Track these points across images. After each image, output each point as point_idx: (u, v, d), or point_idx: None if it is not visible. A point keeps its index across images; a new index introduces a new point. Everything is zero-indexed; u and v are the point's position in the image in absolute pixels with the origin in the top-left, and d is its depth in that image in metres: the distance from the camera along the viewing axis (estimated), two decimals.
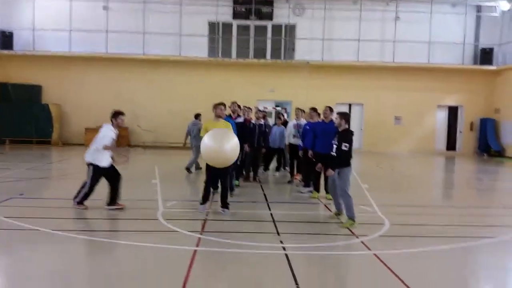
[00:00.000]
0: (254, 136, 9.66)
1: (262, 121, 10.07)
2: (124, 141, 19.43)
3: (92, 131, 19.04)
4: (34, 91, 19.63)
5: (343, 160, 6.25)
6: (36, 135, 18.87)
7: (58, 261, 4.61)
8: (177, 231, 5.70)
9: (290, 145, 10.35)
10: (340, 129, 6.43)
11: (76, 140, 19.50)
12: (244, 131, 8.96)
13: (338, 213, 6.85)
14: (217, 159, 6.48)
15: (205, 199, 6.88)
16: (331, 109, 8.21)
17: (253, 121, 9.79)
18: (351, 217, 6.22)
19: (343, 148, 6.19)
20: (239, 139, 6.80)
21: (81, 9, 19.50)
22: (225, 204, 6.87)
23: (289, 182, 10.29)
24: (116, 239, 5.48)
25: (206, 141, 6.40)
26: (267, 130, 10.22)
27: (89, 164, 6.71)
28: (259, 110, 10.54)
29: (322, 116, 8.48)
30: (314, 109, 9.16)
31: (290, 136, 10.31)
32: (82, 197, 6.67)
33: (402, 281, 4.17)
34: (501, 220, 7.34)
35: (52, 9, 19.55)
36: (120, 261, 4.77)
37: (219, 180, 7.05)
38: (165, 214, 6.57)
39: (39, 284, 4.02)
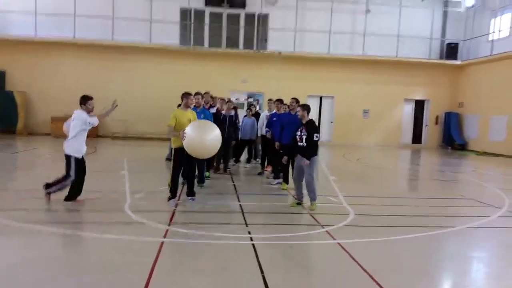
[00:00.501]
0: (224, 128, 9.59)
1: (232, 112, 10.06)
2: (93, 131, 18.99)
3: (59, 121, 18.49)
4: None
5: (315, 149, 6.71)
6: (0, 124, 18.16)
7: (21, 254, 4.52)
8: (144, 222, 5.69)
9: (263, 136, 10.41)
10: (304, 121, 6.80)
11: (43, 130, 18.93)
12: (215, 122, 8.95)
13: (299, 203, 7.05)
14: (200, 150, 6.52)
15: (174, 193, 6.86)
16: (297, 101, 8.30)
17: (223, 112, 9.77)
18: (315, 199, 6.80)
19: (315, 138, 6.63)
20: None
21: None
22: (192, 193, 6.95)
23: (260, 173, 10.37)
24: (81, 231, 5.41)
25: (189, 132, 6.38)
26: (237, 121, 10.26)
27: (68, 156, 6.38)
28: (229, 101, 10.52)
29: (288, 108, 8.66)
30: (280, 101, 9.28)
31: (262, 127, 10.37)
32: (56, 189, 6.36)
33: (363, 269, 4.34)
34: (460, 210, 7.69)
35: None
36: (85, 253, 4.73)
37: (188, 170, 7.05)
38: (132, 206, 6.52)
39: (0, 279, 3.94)
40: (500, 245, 5.69)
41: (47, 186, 6.42)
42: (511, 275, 4.68)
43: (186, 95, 7.02)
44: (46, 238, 5.05)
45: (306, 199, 7.01)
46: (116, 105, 6.76)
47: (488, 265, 5.02)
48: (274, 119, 9.12)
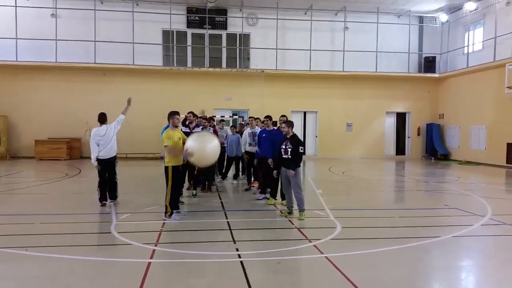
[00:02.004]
0: None
1: (211, 130, 10.16)
2: (76, 153, 18.82)
3: (43, 144, 18.34)
4: None
5: (299, 161, 7.24)
6: None
7: (4, 279, 4.42)
8: (130, 243, 5.63)
9: (247, 153, 10.49)
10: (288, 136, 7.41)
11: (26, 153, 18.67)
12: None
13: (290, 212, 7.51)
14: (206, 158, 6.82)
15: (176, 206, 7.22)
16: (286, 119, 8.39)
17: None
18: (304, 209, 7.24)
19: (300, 150, 7.19)
20: None
21: (28, 16, 18.76)
22: (177, 206, 7.35)
23: (247, 189, 10.40)
24: (67, 254, 5.31)
25: (192, 144, 6.63)
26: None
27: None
28: (211, 119, 10.64)
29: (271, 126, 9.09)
30: (269, 117, 9.31)
31: (246, 144, 10.47)
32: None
33: (352, 282, 4.36)
34: (445, 220, 7.80)
35: None
36: (70, 277, 4.64)
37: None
38: (118, 226, 6.46)
39: None
40: (484, 254, 5.79)
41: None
42: (496, 283, 4.76)
43: (172, 114, 7.09)
44: (29, 262, 4.95)
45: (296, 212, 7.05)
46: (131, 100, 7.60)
47: (474, 274, 5.09)
48: (264, 135, 9.04)
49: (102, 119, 8.58)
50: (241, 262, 4.96)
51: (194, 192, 9.45)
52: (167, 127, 7.28)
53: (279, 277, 4.64)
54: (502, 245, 6.17)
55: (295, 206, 7.46)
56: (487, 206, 8.67)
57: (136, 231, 6.33)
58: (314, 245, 5.69)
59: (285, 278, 4.61)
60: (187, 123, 9.40)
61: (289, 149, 7.24)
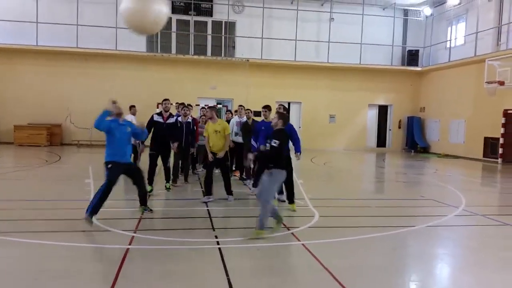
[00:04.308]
0: (182, 136, 9.11)
1: (189, 119, 9.52)
2: (57, 139, 18.55)
3: (22, 129, 18.00)
4: None
5: (275, 158, 5.75)
6: None
7: None
8: (109, 230, 5.65)
9: (233, 142, 10.23)
10: (275, 128, 6.01)
11: (4, 139, 18.31)
12: (172, 130, 8.68)
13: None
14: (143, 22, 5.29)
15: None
16: (285, 108, 7.75)
17: (179, 119, 9.15)
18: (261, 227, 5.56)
19: (273, 144, 5.71)
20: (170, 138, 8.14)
21: None
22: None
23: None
24: (45, 240, 5.30)
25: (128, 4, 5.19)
26: (194, 128, 9.72)
27: None
28: (184, 106, 9.71)
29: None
30: (268, 108, 8.14)
31: (232, 133, 9.97)
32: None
33: (326, 269, 4.48)
34: (420, 210, 8.02)
35: None
36: (48, 261, 4.63)
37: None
38: (98, 214, 6.44)
39: None
40: (456, 242, 6.00)
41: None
42: (468, 270, 4.95)
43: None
44: (7, 247, 4.93)
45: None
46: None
47: (446, 261, 5.27)
48: (263, 128, 7.79)
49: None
50: (219, 248, 5.03)
51: (167, 185, 8.80)
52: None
53: (256, 262, 4.73)
54: (473, 234, 6.39)
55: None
56: (461, 198, 8.93)
57: (115, 218, 6.33)
58: (292, 233, 5.80)
59: (261, 263, 4.71)
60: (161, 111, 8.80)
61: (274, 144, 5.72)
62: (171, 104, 9.10)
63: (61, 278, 4.09)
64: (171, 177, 9.00)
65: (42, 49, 18.43)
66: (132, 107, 11.06)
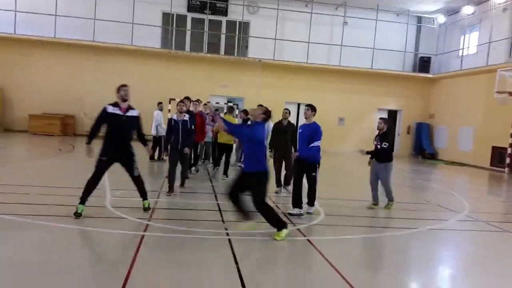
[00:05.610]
0: (177, 135, 8.06)
1: (186, 117, 8.27)
2: (70, 129, 18.96)
3: (37, 118, 18.43)
4: None
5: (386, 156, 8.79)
6: None
7: (5, 248, 4.70)
8: (125, 217, 5.93)
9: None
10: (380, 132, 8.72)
11: (19, 127, 18.76)
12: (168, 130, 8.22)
13: (375, 204, 8.11)
14: None
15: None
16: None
17: (174, 117, 8.24)
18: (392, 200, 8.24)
19: (383, 146, 8.64)
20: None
21: None
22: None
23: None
24: (64, 224, 5.58)
25: None
26: (192, 127, 8.45)
27: None
28: (180, 102, 8.63)
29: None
30: (312, 107, 7.77)
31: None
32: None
33: (329, 262, 4.72)
34: (424, 214, 8.21)
35: None
36: (66, 245, 4.92)
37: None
38: (113, 202, 6.75)
39: None
40: (455, 245, 6.20)
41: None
42: (467, 273, 5.16)
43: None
44: (27, 230, 5.22)
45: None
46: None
47: (447, 263, 5.48)
48: (300, 130, 7.62)
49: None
50: (229, 239, 5.29)
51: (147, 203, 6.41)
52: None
53: (263, 254, 4.99)
54: (473, 239, 6.59)
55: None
56: (465, 204, 9.10)
57: (130, 207, 6.61)
58: (298, 229, 6.05)
59: (268, 255, 4.96)
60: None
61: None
62: (191, 101, 9.52)
63: (79, 261, 4.37)
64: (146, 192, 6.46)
65: (59, 41, 18.85)
66: (159, 103, 12.75)
